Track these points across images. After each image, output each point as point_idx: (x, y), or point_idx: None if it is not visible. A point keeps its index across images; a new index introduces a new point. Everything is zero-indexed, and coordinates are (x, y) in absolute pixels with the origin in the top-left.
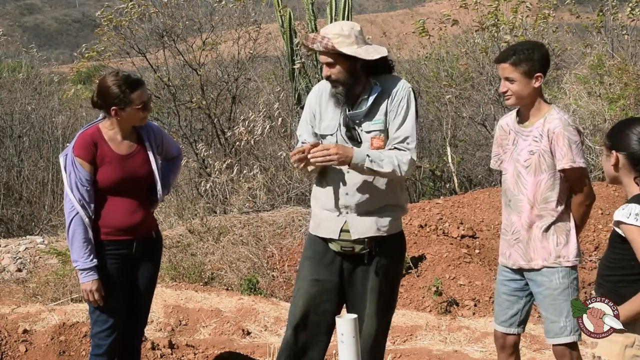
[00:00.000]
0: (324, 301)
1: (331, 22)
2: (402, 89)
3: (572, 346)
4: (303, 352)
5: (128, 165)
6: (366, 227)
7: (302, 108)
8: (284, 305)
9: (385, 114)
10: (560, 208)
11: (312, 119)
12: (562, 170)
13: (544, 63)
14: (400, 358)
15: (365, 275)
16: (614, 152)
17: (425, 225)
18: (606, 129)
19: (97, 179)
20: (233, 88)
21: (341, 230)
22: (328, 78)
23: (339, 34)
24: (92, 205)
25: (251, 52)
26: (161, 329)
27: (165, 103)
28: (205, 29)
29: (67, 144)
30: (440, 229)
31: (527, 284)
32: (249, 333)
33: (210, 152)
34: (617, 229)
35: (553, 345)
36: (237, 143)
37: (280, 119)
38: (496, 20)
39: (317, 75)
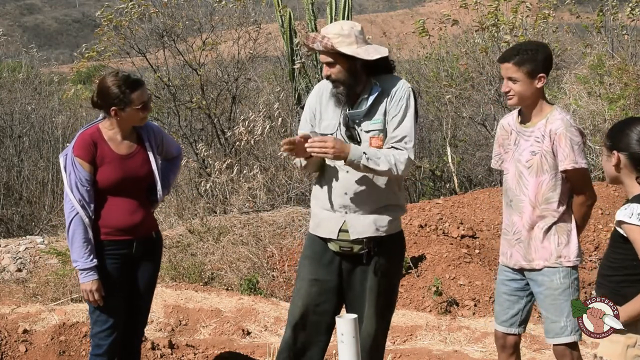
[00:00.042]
0: (323, 301)
1: (331, 22)
2: (402, 88)
3: (573, 346)
4: (302, 352)
5: (128, 165)
6: (365, 227)
7: (302, 108)
8: (284, 305)
9: (385, 114)
10: (561, 208)
11: (312, 118)
12: (565, 171)
13: (548, 64)
14: (400, 358)
15: (364, 276)
16: (615, 152)
17: (425, 225)
18: (606, 129)
19: (97, 179)
20: (233, 88)
21: (340, 230)
22: (328, 77)
23: (339, 34)
24: (92, 206)
25: (251, 52)
26: (161, 329)
27: (165, 103)
28: (205, 29)
29: (67, 144)
30: (440, 229)
31: (527, 284)
32: (249, 333)
33: (210, 152)
34: (618, 229)
35: (553, 345)
36: (237, 143)
37: (280, 119)
38: (496, 20)
39: (317, 75)
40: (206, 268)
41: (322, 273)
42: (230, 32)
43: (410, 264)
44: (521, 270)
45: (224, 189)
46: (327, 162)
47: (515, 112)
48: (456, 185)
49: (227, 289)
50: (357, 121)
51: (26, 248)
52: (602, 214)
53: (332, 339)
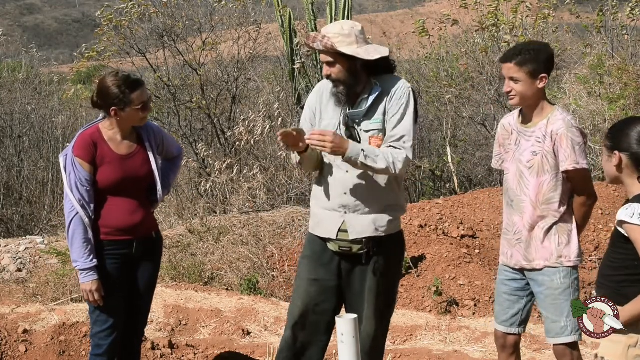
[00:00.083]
0: (322, 301)
1: (331, 22)
2: (402, 88)
3: (573, 346)
4: (302, 352)
5: (128, 166)
6: (364, 227)
7: (302, 108)
8: (284, 305)
9: (384, 114)
10: (562, 209)
11: (312, 117)
12: (566, 172)
13: (549, 64)
14: (400, 358)
15: (364, 276)
16: (616, 152)
17: (425, 225)
18: (606, 129)
19: (97, 179)
20: (233, 88)
21: (339, 230)
22: (328, 77)
23: (339, 34)
24: (92, 206)
25: (251, 52)
26: (161, 329)
27: (165, 103)
28: (205, 29)
29: (67, 144)
30: (440, 229)
31: (528, 284)
32: (249, 333)
33: (210, 152)
34: (619, 229)
35: (554, 345)
36: (237, 143)
37: (280, 119)
38: (496, 20)
39: (317, 75)
40: (206, 268)
41: (321, 273)
42: (230, 32)
43: (410, 264)
44: (521, 270)
45: (224, 189)
46: (326, 159)
47: (516, 112)
48: (456, 185)
49: (227, 289)
50: (357, 121)
51: (26, 248)
52: (602, 214)
53: (332, 338)
